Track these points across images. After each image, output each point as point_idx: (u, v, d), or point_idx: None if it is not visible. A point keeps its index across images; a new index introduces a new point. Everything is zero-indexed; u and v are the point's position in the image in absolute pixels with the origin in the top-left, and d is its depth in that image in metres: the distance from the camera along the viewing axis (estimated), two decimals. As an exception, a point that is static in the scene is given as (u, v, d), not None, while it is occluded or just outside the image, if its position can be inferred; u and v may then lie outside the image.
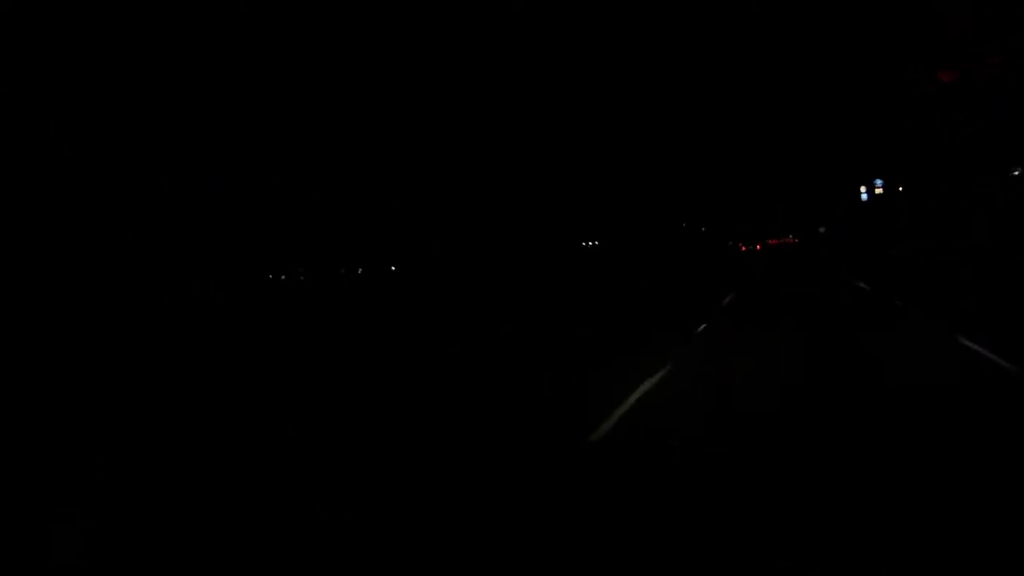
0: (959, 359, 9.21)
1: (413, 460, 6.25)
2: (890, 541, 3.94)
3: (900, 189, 40.83)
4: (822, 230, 62.09)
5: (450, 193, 46.10)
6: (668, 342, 12.20)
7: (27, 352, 15.06)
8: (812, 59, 53.22)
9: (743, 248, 68.08)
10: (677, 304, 20.07)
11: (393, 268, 46.37)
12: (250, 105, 34.50)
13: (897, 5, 40.36)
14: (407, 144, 43.19)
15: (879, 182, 46.94)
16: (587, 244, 63.18)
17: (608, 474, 5.74)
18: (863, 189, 52.70)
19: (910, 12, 39.05)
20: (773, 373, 9.24)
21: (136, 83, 29.06)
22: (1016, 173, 31.21)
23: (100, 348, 16.40)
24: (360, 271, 45.38)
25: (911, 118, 41.52)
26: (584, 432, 6.74)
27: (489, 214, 49.20)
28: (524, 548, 4.15)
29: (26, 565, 4.14)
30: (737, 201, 70.61)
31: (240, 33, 32.72)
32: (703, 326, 14.46)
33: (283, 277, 40.93)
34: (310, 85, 37.27)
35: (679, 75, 58.61)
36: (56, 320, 20.26)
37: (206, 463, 6.98)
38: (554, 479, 5.39)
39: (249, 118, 34.69)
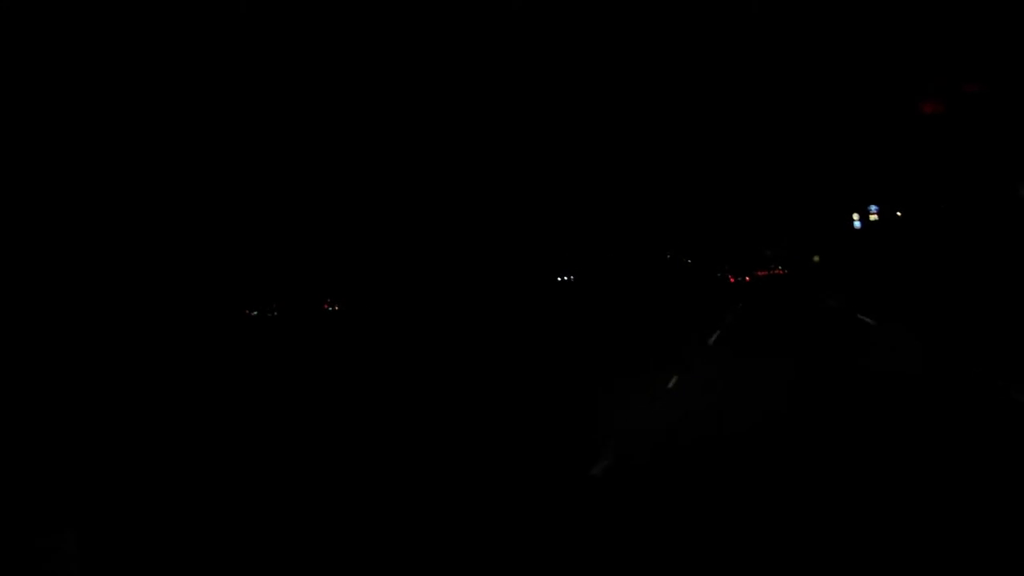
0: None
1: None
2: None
3: (899, 214, 40.62)
4: (816, 259, 61.67)
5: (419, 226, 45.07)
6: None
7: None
8: (798, 85, 53.52)
9: (732, 280, 67.83)
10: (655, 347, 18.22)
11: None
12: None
13: (879, 35, 40.60)
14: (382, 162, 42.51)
15: (874, 208, 46.69)
16: (562, 279, 61.80)
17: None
18: (856, 216, 52.55)
19: (891, 43, 39.27)
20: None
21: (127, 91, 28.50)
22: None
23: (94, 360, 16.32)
24: (336, 308, 44.41)
25: (899, 146, 41.55)
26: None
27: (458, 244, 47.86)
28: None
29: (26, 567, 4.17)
30: (724, 232, 70.42)
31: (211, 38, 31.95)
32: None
33: (255, 312, 39.73)
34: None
35: (662, 102, 58.73)
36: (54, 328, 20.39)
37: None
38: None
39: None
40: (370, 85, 39.27)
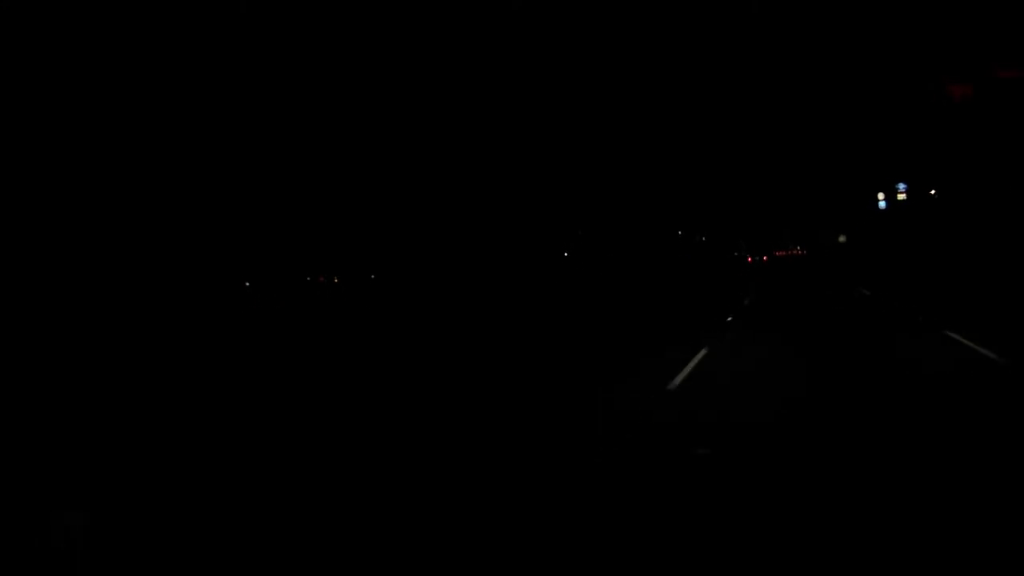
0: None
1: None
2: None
3: (932, 192, 39.47)
4: (842, 239, 60.26)
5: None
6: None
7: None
8: (820, 62, 52.30)
9: (750, 260, 67.34)
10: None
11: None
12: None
13: (908, 15, 39.54)
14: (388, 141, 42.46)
15: (902, 186, 45.52)
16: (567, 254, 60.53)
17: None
18: (881, 196, 51.45)
19: (921, 23, 38.25)
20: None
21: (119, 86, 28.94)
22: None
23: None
24: (336, 280, 43.96)
25: (930, 120, 40.61)
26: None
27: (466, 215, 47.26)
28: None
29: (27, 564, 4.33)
30: (740, 209, 69.25)
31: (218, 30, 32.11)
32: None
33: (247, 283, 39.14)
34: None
35: (676, 77, 57.54)
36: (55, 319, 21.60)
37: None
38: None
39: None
40: (372, 74, 39.64)
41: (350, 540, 4.93)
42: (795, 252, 66.23)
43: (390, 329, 22.45)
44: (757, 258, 67.89)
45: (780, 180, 65.65)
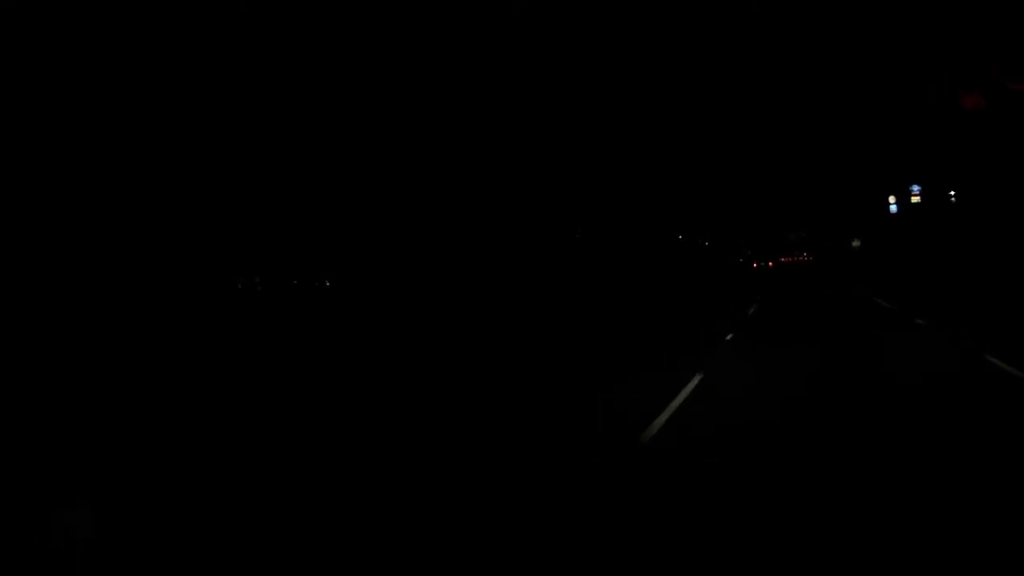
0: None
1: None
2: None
3: (951, 194, 38.90)
4: (856, 243, 59.55)
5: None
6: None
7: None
8: (825, 62, 51.96)
9: (756, 265, 67.56)
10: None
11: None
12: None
13: (920, 22, 39.34)
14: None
15: (916, 188, 45.06)
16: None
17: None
18: (892, 199, 51.06)
19: (934, 30, 38.04)
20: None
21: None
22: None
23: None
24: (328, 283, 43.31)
25: (940, 127, 40.42)
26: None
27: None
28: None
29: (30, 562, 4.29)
30: (744, 213, 68.83)
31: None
32: None
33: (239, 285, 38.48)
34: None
35: (678, 78, 57.18)
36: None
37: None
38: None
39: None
40: (369, 78, 39.62)
41: (352, 540, 4.92)
42: (802, 258, 65.97)
43: (388, 332, 22.47)
44: (763, 263, 67.96)
45: (786, 184, 65.33)
